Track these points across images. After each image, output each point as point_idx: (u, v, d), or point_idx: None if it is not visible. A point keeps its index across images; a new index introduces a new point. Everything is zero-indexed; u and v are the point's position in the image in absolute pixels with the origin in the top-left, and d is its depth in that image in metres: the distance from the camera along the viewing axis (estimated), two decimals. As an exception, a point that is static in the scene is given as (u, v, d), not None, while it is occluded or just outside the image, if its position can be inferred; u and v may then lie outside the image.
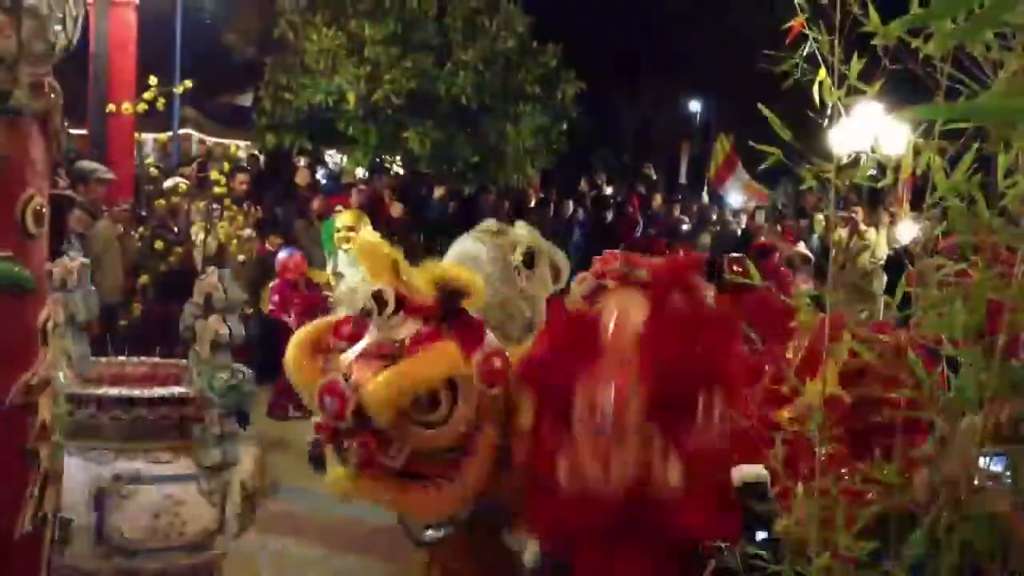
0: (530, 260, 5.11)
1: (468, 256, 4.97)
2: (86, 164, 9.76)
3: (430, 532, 4.57)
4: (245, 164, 14.06)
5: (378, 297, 4.07)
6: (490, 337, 4.22)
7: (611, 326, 3.97)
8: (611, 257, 4.18)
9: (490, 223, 5.28)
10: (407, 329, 4.07)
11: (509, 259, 5.06)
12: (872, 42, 2.70)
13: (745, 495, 3.52)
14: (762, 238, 12.58)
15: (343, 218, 9.07)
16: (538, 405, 4.06)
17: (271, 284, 9.91)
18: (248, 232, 10.76)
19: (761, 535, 3.15)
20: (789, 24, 2.90)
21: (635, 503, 3.77)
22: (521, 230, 5.26)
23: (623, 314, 3.98)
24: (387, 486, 4.04)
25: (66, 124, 3.08)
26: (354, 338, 4.14)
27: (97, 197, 9.32)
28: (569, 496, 3.84)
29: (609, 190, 17.88)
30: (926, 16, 1.11)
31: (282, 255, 10.06)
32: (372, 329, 4.11)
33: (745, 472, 3.59)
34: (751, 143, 3.16)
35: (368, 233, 4.68)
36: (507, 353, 4.22)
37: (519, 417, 4.13)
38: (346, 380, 3.93)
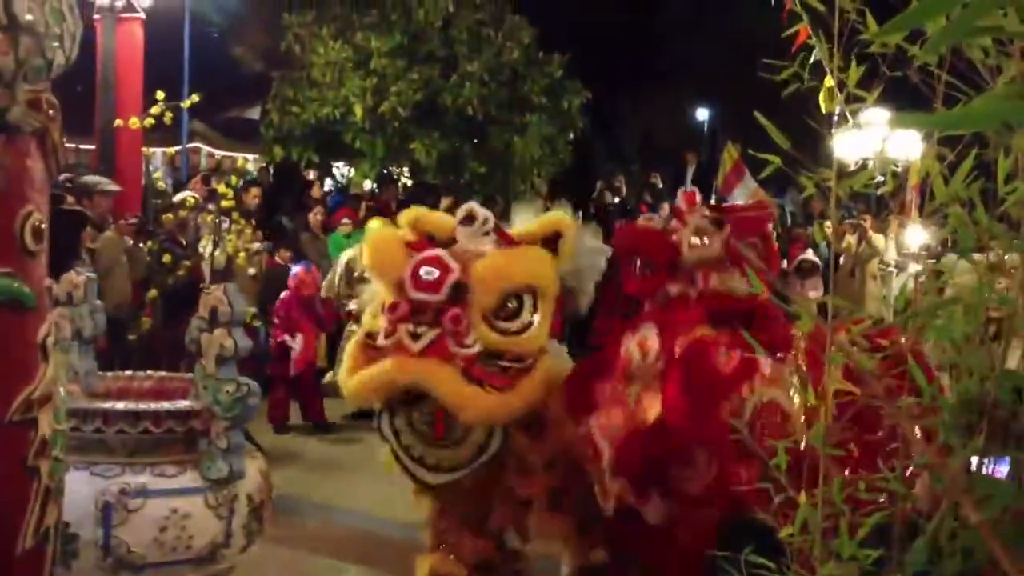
0: None
1: None
2: (89, 178, 9.81)
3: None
4: (257, 178, 14.11)
5: (470, 212, 4.30)
6: None
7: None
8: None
9: None
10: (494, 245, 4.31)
11: None
12: (870, 49, 2.70)
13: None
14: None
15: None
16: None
17: (281, 297, 9.91)
18: (257, 245, 10.79)
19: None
20: (792, 31, 2.90)
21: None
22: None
23: None
24: (454, 379, 4.02)
25: (65, 140, 3.08)
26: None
27: (103, 211, 9.36)
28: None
29: (616, 200, 17.86)
30: (915, 16, 1.10)
31: (298, 269, 10.04)
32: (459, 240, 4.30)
33: None
34: (751, 151, 3.16)
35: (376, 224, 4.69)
36: None
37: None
38: None
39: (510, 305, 4.15)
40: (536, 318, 4.18)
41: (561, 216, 4.45)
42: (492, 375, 4.10)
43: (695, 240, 4.53)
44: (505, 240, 4.35)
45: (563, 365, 4.41)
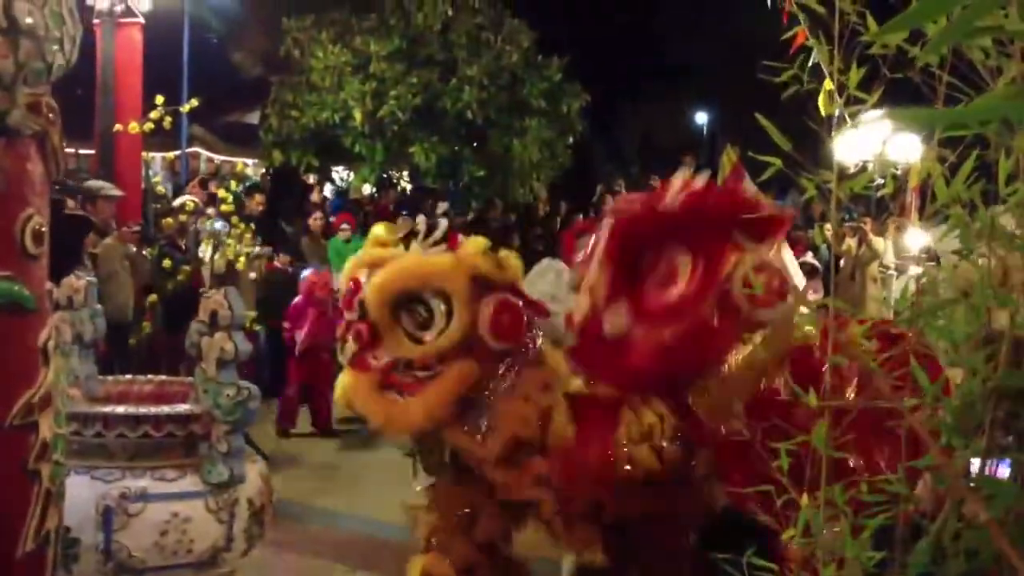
0: None
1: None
2: (93, 183, 9.80)
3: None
4: (260, 184, 14.09)
5: (430, 227, 4.54)
6: (513, 297, 4.37)
7: None
8: None
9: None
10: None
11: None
12: (870, 51, 2.70)
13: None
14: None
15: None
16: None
17: (293, 303, 9.90)
18: (257, 250, 10.78)
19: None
20: (791, 33, 2.90)
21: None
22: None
23: None
24: (367, 391, 4.23)
25: (65, 144, 3.07)
26: None
27: (106, 216, 9.35)
28: None
29: (616, 202, 17.83)
30: (915, 16, 1.10)
31: (308, 273, 10.04)
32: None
33: None
34: (751, 154, 3.16)
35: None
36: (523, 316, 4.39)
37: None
38: None
39: (421, 313, 4.22)
40: (452, 322, 4.20)
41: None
42: (407, 384, 4.22)
43: None
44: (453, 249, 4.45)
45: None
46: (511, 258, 4.48)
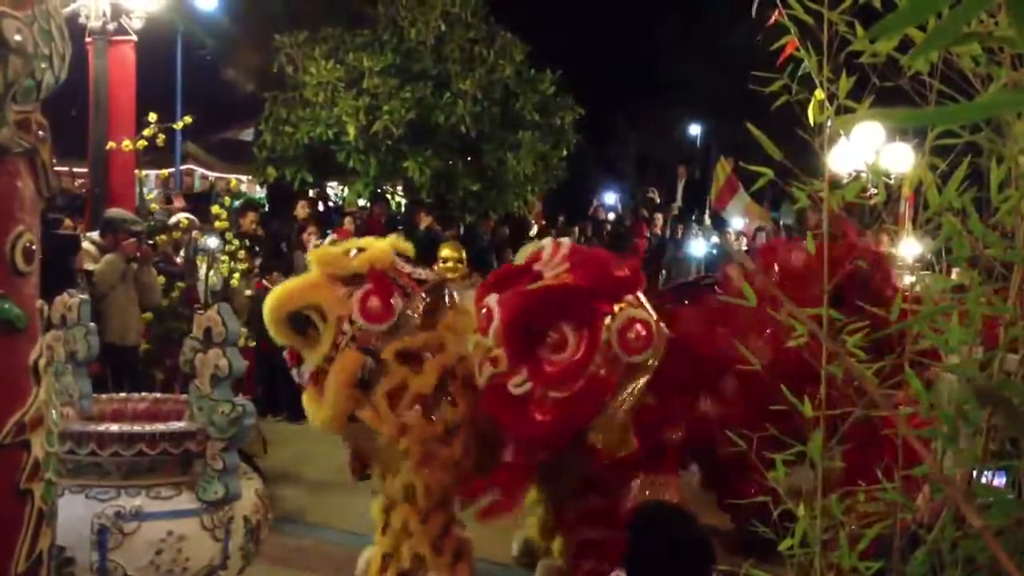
0: None
1: None
2: (116, 213, 9.48)
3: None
4: (255, 201, 14.05)
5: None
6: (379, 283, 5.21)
7: None
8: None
9: None
10: None
11: None
12: (860, 60, 2.70)
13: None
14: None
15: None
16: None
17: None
18: (256, 266, 10.76)
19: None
20: (781, 43, 2.90)
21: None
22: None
23: None
24: (308, 399, 5.32)
25: (56, 162, 3.07)
26: None
27: (128, 251, 8.90)
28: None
29: (612, 216, 17.88)
30: (902, 19, 1.10)
31: None
32: None
33: None
34: (744, 164, 3.17)
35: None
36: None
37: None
38: None
39: (311, 331, 5.25)
40: (325, 329, 5.19)
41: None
42: (319, 387, 5.25)
43: None
44: None
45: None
46: (376, 248, 5.36)
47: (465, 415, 5.17)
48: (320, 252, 5.43)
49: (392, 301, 5.17)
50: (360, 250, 5.37)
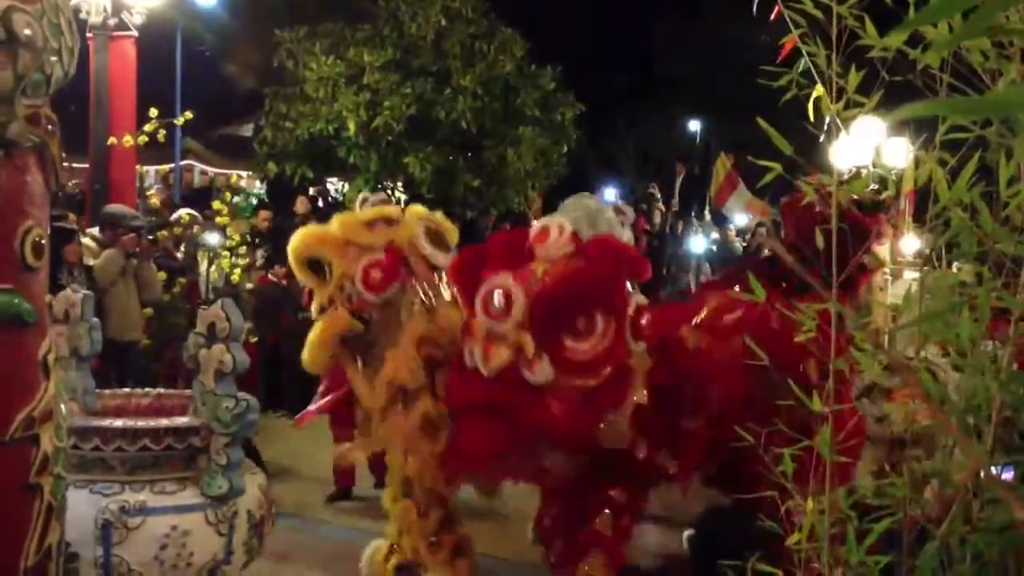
0: None
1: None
2: (116, 209, 9.48)
3: None
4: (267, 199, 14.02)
5: None
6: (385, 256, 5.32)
7: None
8: None
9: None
10: None
11: None
12: (869, 55, 2.70)
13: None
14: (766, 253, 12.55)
15: None
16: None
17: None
18: (259, 261, 10.78)
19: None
20: (785, 40, 2.90)
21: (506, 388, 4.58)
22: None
23: None
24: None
25: (63, 156, 3.06)
26: None
27: (129, 245, 8.89)
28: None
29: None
30: (922, 20, 1.10)
31: None
32: None
33: None
34: (751, 160, 3.16)
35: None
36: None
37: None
38: None
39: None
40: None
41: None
42: None
43: None
44: None
45: None
46: (403, 224, 5.41)
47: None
48: (345, 217, 5.56)
49: (393, 279, 5.26)
50: (387, 221, 5.42)
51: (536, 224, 4.93)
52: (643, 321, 4.78)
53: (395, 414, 5.20)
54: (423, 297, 5.35)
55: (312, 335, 5.34)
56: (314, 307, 5.47)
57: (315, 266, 5.38)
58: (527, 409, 4.58)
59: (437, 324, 5.27)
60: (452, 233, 5.59)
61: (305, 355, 5.37)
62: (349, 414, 5.76)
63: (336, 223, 5.46)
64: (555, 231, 4.75)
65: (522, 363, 4.53)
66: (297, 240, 5.43)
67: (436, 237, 5.48)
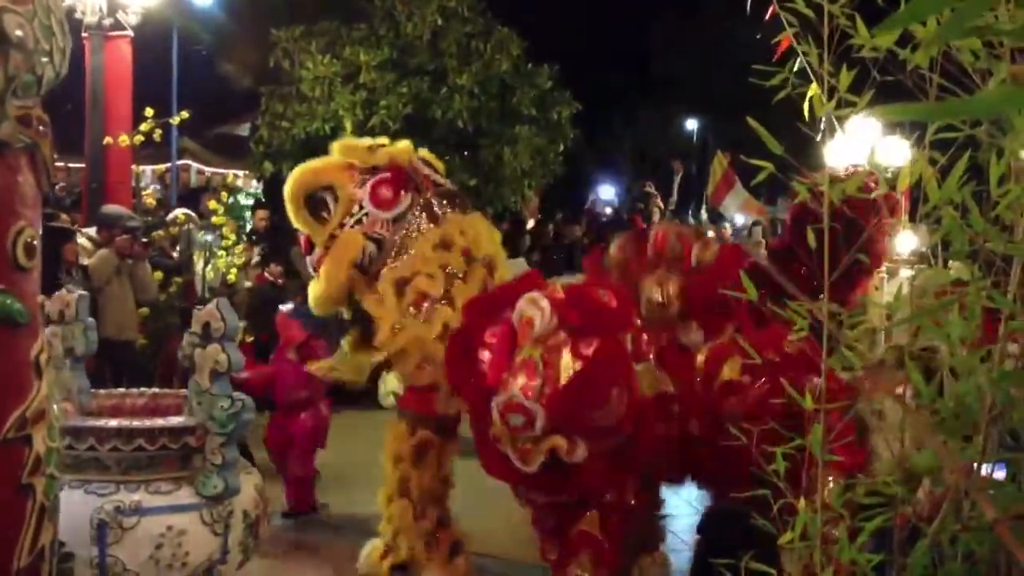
0: None
1: None
2: (112, 210, 9.49)
3: None
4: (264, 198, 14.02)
5: None
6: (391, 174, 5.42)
7: None
8: None
9: None
10: None
11: None
12: (860, 53, 2.70)
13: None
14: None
15: None
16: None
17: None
18: (255, 260, 10.77)
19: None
20: (779, 38, 2.90)
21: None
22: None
23: None
24: (314, 282, 5.58)
25: (55, 156, 3.06)
26: None
27: (124, 246, 8.89)
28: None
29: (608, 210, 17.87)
30: (907, 18, 1.10)
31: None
32: None
33: None
34: (744, 159, 3.17)
35: None
36: None
37: None
38: None
39: (325, 215, 5.48)
40: (338, 207, 5.46)
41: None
42: (317, 266, 5.64)
43: None
44: None
45: None
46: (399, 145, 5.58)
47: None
48: (344, 142, 5.70)
49: (402, 192, 5.34)
50: (382, 145, 5.55)
51: (514, 317, 4.41)
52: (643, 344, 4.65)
53: (414, 325, 5.24)
54: (435, 206, 5.45)
55: (328, 263, 5.33)
56: (319, 250, 5.45)
57: (312, 208, 5.38)
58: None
59: (451, 229, 5.38)
60: (439, 166, 5.81)
61: (314, 294, 5.40)
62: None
63: (336, 149, 5.52)
64: (535, 312, 4.33)
65: (561, 455, 4.32)
66: (294, 178, 5.42)
67: (428, 163, 5.68)
